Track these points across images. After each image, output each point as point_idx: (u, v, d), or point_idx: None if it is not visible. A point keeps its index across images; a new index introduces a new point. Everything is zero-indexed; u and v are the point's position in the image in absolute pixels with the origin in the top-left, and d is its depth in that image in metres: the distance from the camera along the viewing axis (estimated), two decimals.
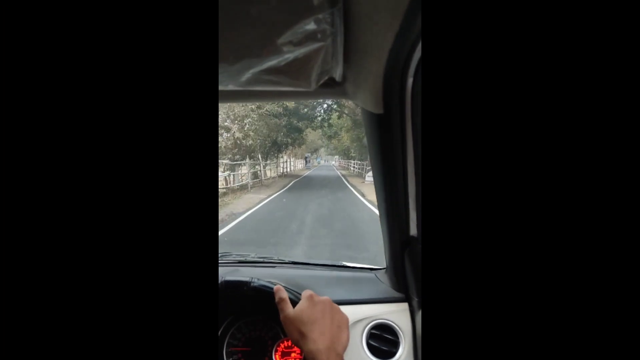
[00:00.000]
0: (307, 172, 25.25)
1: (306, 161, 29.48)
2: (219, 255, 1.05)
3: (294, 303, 0.52)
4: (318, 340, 0.46)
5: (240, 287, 0.66)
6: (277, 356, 0.74)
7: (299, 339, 0.48)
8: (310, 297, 0.51)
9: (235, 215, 6.99)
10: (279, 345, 0.74)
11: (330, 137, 27.74)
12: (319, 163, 48.66)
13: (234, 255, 1.04)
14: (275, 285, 0.60)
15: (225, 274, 0.70)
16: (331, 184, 14.81)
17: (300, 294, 0.67)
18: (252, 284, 0.66)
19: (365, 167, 17.27)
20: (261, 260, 1.02)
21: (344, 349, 0.49)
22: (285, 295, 0.52)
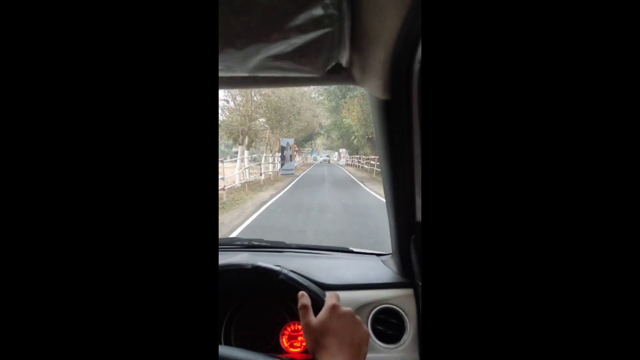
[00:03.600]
0: (263, 208, 6.37)
1: (283, 158, 13.69)
2: (228, 240, 1.08)
3: (315, 302, 0.52)
4: (334, 355, 0.45)
5: (271, 276, 0.68)
6: (283, 339, 0.75)
7: (317, 350, 0.46)
8: (334, 308, 0.49)
9: None
10: (285, 329, 0.76)
11: (335, 109, 17.85)
12: (315, 160, 33.30)
13: (241, 240, 1.05)
14: (299, 283, 0.61)
15: (237, 258, 0.72)
16: None
17: (322, 295, 0.69)
18: (280, 276, 0.67)
19: None
20: (269, 245, 1.03)
21: None
22: (308, 302, 0.50)
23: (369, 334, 0.51)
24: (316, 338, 0.47)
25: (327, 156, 32.58)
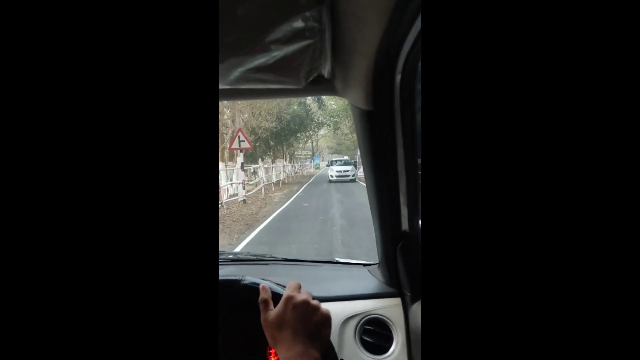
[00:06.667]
0: None
1: None
2: None
3: (278, 297, 0.50)
4: (289, 348, 0.44)
5: (231, 286, 0.65)
6: (271, 357, 0.73)
7: (275, 345, 0.46)
8: (287, 300, 0.48)
9: None
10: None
11: None
12: (317, 168, 26.28)
13: (226, 254, 1.05)
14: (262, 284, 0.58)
15: (222, 272, 0.71)
16: None
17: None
18: (242, 282, 0.64)
19: None
20: (254, 257, 1.03)
21: (324, 346, 0.47)
22: (267, 295, 0.50)
23: (328, 316, 0.49)
24: (272, 333, 0.46)
25: (349, 164, 14.90)
